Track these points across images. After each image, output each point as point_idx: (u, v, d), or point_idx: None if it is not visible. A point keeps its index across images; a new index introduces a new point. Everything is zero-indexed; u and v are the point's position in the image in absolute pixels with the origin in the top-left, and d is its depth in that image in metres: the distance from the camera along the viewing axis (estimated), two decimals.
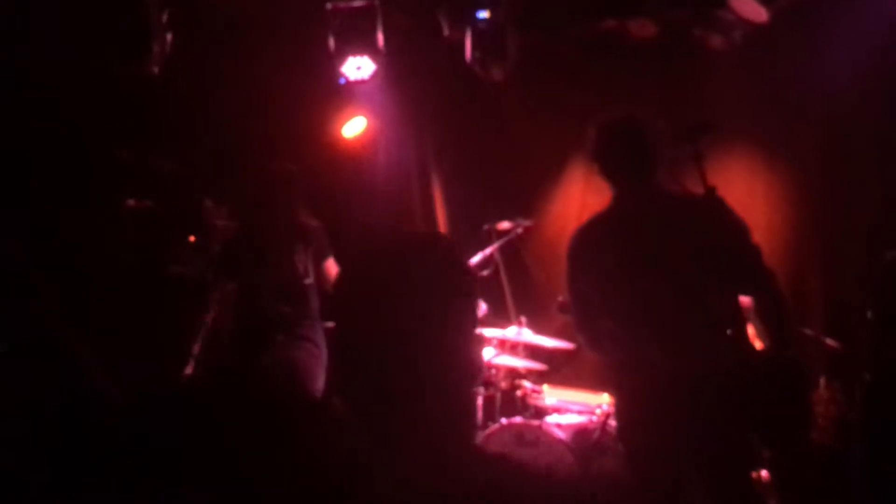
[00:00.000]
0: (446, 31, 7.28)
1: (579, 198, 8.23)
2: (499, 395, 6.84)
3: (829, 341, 6.66)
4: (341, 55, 7.36)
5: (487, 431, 6.38)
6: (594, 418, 6.45)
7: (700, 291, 4.33)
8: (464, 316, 1.90)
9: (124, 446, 1.35)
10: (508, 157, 8.56)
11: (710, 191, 4.34)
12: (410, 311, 1.84)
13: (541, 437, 6.25)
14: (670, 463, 4.34)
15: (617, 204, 4.56)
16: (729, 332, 4.35)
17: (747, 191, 7.51)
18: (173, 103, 7.79)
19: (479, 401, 6.64)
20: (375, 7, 7.23)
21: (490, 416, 6.70)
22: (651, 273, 4.35)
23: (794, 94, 7.45)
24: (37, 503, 1.88)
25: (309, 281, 6.24)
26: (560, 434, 6.25)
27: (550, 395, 6.89)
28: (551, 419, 6.55)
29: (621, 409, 4.67)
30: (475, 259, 7.12)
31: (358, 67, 7.39)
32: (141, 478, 1.32)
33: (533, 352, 7.09)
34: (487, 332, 6.73)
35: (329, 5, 7.20)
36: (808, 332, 6.66)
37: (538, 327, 7.11)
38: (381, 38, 7.31)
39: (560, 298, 5.47)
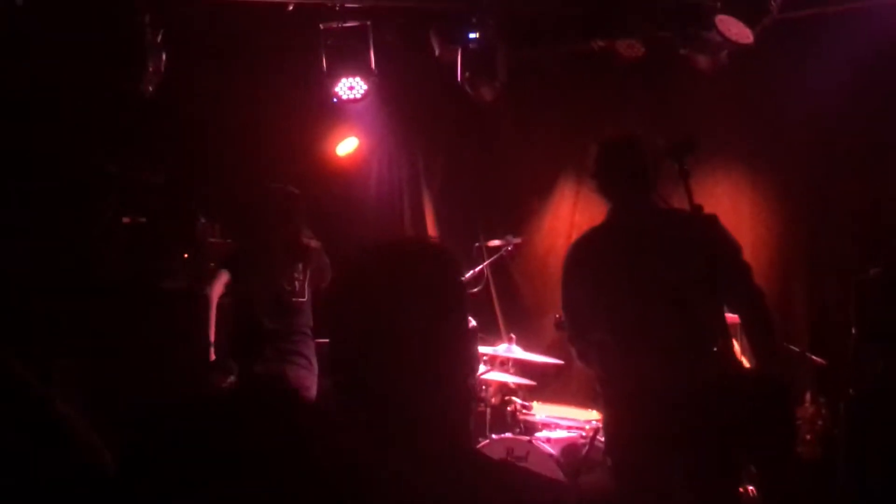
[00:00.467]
0: (437, 52, 7.35)
1: (569, 216, 8.29)
2: (489, 411, 6.87)
3: (815, 357, 6.71)
4: (334, 75, 7.42)
5: (477, 447, 6.42)
6: (583, 434, 6.50)
7: (690, 307, 4.38)
8: (457, 314, 1.91)
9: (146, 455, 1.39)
10: (498, 175, 8.62)
11: (698, 208, 4.39)
12: (404, 313, 1.85)
13: (530, 453, 6.29)
14: (657, 476, 4.38)
15: (613, 219, 4.62)
16: (715, 348, 4.41)
17: (733, 208, 7.57)
18: (167, 121, 7.84)
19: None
20: (367, 28, 7.30)
21: (480, 431, 6.73)
22: (643, 287, 4.41)
23: (779, 113, 7.53)
24: None
25: (303, 299, 6.32)
26: (549, 449, 6.28)
27: (540, 411, 6.92)
28: (541, 435, 6.58)
29: (609, 423, 4.72)
30: (466, 276, 7.16)
31: (350, 87, 7.45)
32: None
33: (523, 368, 7.12)
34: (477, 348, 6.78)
35: (322, 26, 7.26)
36: (794, 348, 6.71)
37: (528, 344, 7.17)
38: (373, 58, 7.37)
39: (557, 316, 5.52)
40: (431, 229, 8.85)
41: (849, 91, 7.18)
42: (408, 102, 8.72)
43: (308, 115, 8.25)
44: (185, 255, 7.31)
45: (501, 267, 8.12)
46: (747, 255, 4.61)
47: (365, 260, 1.95)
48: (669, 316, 4.37)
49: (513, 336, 7.01)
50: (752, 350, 4.65)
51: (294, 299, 6.29)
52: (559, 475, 6.08)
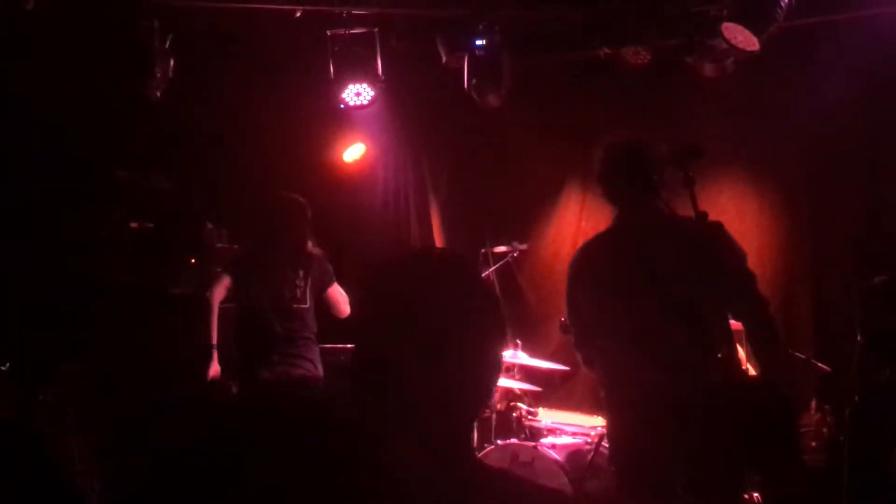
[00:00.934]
0: (444, 58, 7.36)
1: (575, 222, 8.31)
2: (494, 417, 6.89)
3: (820, 364, 6.72)
4: (341, 81, 7.43)
5: (482, 452, 6.42)
6: (589, 440, 6.51)
7: (694, 313, 4.38)
8: (486, 336, 1.90)
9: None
10: (505, 182, 8.64)
11: (703, 215, 4.40)
12: (426, 322, 1.84)
13: (536, 459, 6.30)
14: (660, 483, 4.39)
15: (619, 224, 4.62)
16: (720, 355, 4.41)
17: (738, 215, 7.58)
18: (175, 127, 7.87)
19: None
20: (374, 34, 7.31)
21: (485, 437, 6.75)
22: (648, 293, 4.41)
23: (784, 120, 7.54)
24: None
25: (305, 306, 6.34)
26: (555, 455, 6.29)
27: (545, 417, 6.93)
28: (546, 441, 6.59)
29: (613, 429, 4.73)
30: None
31: (357, 94, 7.46)
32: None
33: (528, 374, 7.14)
34: None
35: (329, 32, 7.28)
36: (800, 355, 6.72)
37: (534, 350, 7.18)
38: (380, 64, 7.39)
39: (563, 319, 5.53)
40: (438, 235, 8.87)
41: (854, 99, 7.20)
42: (414, 109, 8.75)
43: (315, 122, 8.27)
44: (193, 261, 7.34)
45: (507, 273, 8.14)
46: (752, 262, 4.61)
47: (391, 268, 1.95)
48: (674, 323, 4.38)
49: (518, 342, 7.02)
50: (756, 358, 4.66)
51: (295, 306, 6.32)
52: (564, 481, 6.09)
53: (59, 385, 6.98)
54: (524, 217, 8.54)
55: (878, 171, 7.34)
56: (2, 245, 6.80)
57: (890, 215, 7.26)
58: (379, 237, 8.78)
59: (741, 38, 6.40)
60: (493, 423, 6.87)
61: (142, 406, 7.00)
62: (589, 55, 7.48)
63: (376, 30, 7.31)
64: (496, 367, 1.91)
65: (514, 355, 6.89)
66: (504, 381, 6.86)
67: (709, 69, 6.88)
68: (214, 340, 6.47)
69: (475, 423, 1.92)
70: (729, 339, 4.50)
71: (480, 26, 7.14)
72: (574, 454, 6.44)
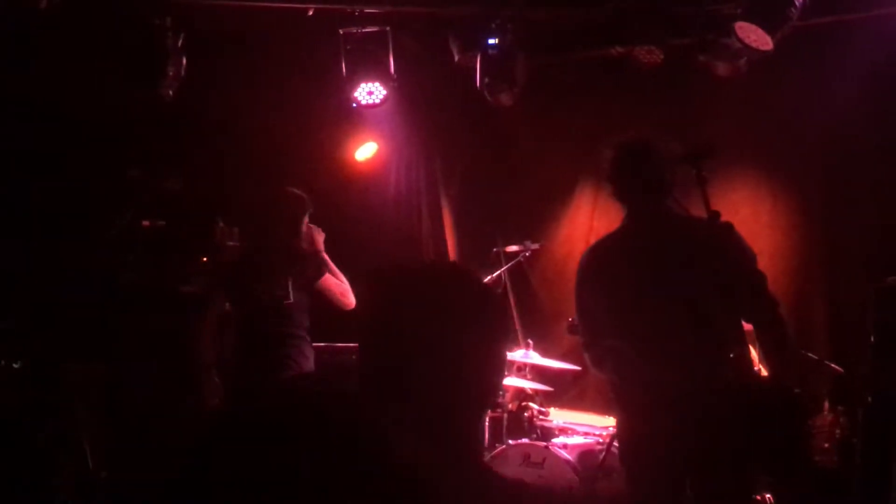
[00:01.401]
0: (456, 57, 7.35)
1: (587, 221, 8.29)
2: (506, 417, 6.89)
3: (833, 365, 6.70)
4: (353, 80, 7.43)
5: (494, 452, 6.42)
6: (600, 440, 6.50)
7: (705, 313, 4.38)
8: (482, 330, 1.93)
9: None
10: (517, 181, 8.63)
11: (715, 215, 4.39)
12: (435, 335, 1.87)
13: (547, 458, 6.30)
14: (670, 484, 4.38)
15: (628, 224, 4.62)
16: (732, 354, 4.40)
17: (752, 215, 7.56)
18: (187, 126, 7.88)
19: (486, 421, 6.68)
20: (387, 33, 7.31)
21: (497, 437, 6.74)
22: (658, 293, 4.41)
23: (799, 119, 7.51)
24: None
25: (288, 301, 6.29)
26: (566, 455, 6.29)
27: (557, 417, 6.93)
28: (558, 441, 6.59)
29: (623, 430, 4.72)
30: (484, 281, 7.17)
31: (370, 92, 7.45)
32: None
33: (540, 373, 7.13)
34: None
35: (341, 31, 7.28)
36: (812, 355, 6.70)
37: (545, 350, 7.17)
38: (392, 63, 7.38)
39: (571, 319, 5.52)
40: (449, 234, 8.87)
41: (868, 98, 7.17)
42: (427, 108, 8.74)
43: (327, 121, 8.27)
44: (204, 259, 7.34)
45: (519, 273, 8.12)
46: (765, 262, 4.61)
47: (397, 278, 1.97)
48: (684, 323, 4.37)
49: (530, 342, 7.01)
50: (766, 359, 4.66)
51: (286, 302, 6.28)
52: (576, 481, 6.08)
53: (71, 384, 7.00)
54: (536, 216, 8.52)
55: (892, 170, 7.30)
56: (13, 244, 6.82)
57: None
58: (391, 236, 8.77)
59: (755, 37, 6.38)
60: (505, 422, 6.87)
61: (152, 405, 7.01)
62: (602, 54, 7.46)
63: (388, 28, 7.30)
64: (496, 371, 1.92)
65: (525, 355, 6.88)
66: (516, 381, 6.86)
67: (722, 68, 6.86)
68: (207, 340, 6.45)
69: (483, 426, 1.91)
70: (741, 339, 4.49)
71: (493, 25, 7.13)
72: (585, 454, 6.44)
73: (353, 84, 7.44)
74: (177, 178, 7.76)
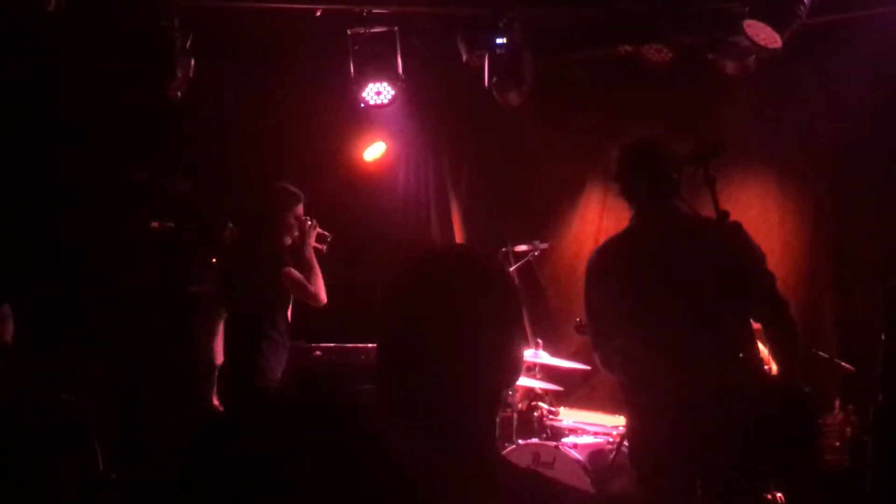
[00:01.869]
0: (465, 57, 7.35)
1: (596, 221, 8.28)
2: (515, 416, 6.88)
3: (844, 363, 6.68)
4: (361, 80, 7.43)
5: (504, 452, 6.42)
6: (610, 440, 6.49)
7: (714, 313, 4.37)
8: (503, 321, 1.91)
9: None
10: (525, 181, 8.63)
11: (724, 214, 4.38)
12: (447, 320, 1.85)
13: (557, 458, 6.29)
14: (680, 485, 4.37)
15: (636, 224, 4.61)
16: (741, 354, 4.39)
17: (760, 214, 7.55)
18: (195, 127, 7.90)
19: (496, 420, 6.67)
20: (395, 33, 7.31)
21: (507, 437, 6.74)
22: (667, 293, 4.40)
23: (808, 118, 7.49)
24: None
25: (265, 300, 6.27)
26: (576, 455, 6.28)
27: (567, 417, 6.93)
28: (567, 440, 6.58)
29: (633, 429, 4.71)
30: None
31: (378, 92, 7.45)
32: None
33: (549, 373, 7.13)
34: None
35: (349, 31, 7.28)
36: (823, 354, 6.68)
37: (555, 349, 7.16)
38: (400, 63, 7.38)
39: (579, 319, 5.51)
40: (458, 234, 8.87)
41: (877, 96, 7.13)
42: (435, 108, 8.75)
43: (335, 121, 8.28)
44: (214, 260, 7.36)
45: (528, 272, 8.11)
46: (775, 261, 4.60)
47: (411, 268, 1.96)
48: (693, 323, 4.36)
49: (539, 341, 7.01)
50: (776, 359, 4.64)
51: (260, 300, 6.25)
52: (586, 481, 6.07)
53: (81, 384, 7.01)
54: (545, 216, 8.52)
55: None
56: (24, 245, 6.84)
57: None
58: (399, 236, 8.78)
59: (763, 35, 6.36)
60: (515, 422, 6.86)
61: (161, 405, 7.03)
62: (610, 53, 7.44)
63: (396, 28, 7.30)
64: (516, 364, 1.91)
65: (535, 355, 6.88)
66: (525, 381, 6.86)
67: (731, 67, 6.84)
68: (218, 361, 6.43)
69: (497, 421, 1.92)
70: (750, 338, 4.48)
71: (501, 24, 7.13)
72: (596, 454, 6.43)
73: (362, 84, 7.44)
74: (185, 179, 7.78)
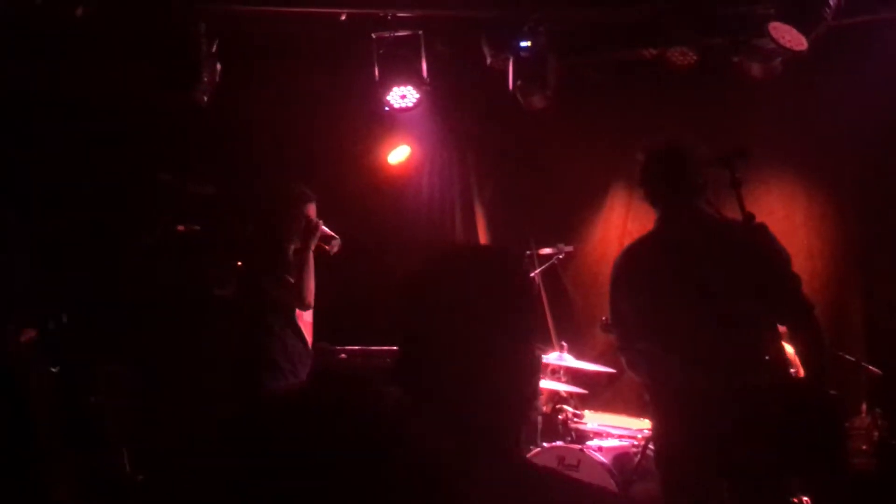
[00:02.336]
0: (489, 60, 7.35)
1: (620, 224, 8.27)
2: (540, 419, 6.87)
3: (870, 367, 6.65)
4: (386, 84, 7.43)
5: (528, 455, 6.41)
6: (635, 443, 6.48)
7: (740, 315, 4.36)
8: (521, 330, 1.92)
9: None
10: (550, 184, 8.62)
11: (749, 217, 4.37)
12: (466, 317, 1.87)
13: (582, 461, 6.28)
14: (705, 488, 4.36)
15: (661, 227, 4.61)
16: (767, 357, 4.38)
17: (787, 217, 7.52)
18: (221, 130, 7.93)
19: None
20: (419, 37, 7.31)
21: (531, 439, 6.73)
22: (692, 296, 4.39)
23: (833, 120, 7.45)
24: None
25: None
26: (601, 458, 6.27)
27: (592, 420, 6.92)
28: (592, 443, 6.57)
29: (658, 432, 4.70)
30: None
31: (402, 96, 7.46)
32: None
33: (574, 376, 7.12)
34: None
35: (374, 35, 7.29)
36: (849, 357, 6.65)
37: (579, 352, 7.16)
38: (424, 67, 7.39)
39: (605, 318, 5.50)
40: (483, 237, 8.87)
41: None
42: (459, 111, 8.75)
43: (360, 124, 8.29)
44: (238, 263, 7.39)
45: (553, 275, 8.12)
46: (800, 263, 4.58)
47: (430, 266, 1.97)
48: (719, 325, 4.35)
49: (564, 344, 7.01)
50: (802, 362, 4.63)
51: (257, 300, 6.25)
52: (611, 484, 6.06)
53: (107, 386, 7.05)
54: (570, 219, 8.51)
55: None
56: (50, 248, 6.88)
57: None
58: (423, 240, 8.78)
59: (789, 37, 6.33)
60: (539, 425, 6.86)
61: (188, 407, 7.06)
62: (635, 56, 7.44)
63: (421, 32, 7.30)
64: (533, 364, 1.92)
65: (560, 357, 6.87)
66: (550, 384, 6.85)
67: (756, 69, 6.82)
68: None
69: (522, 425, 1.91)
70: (776, 341, 4.47)
71: (525, 28, 7.12)
72: (621, 457, 6.42)
73: (386, 88, 7.44)
74: (211, 183, 7.81)
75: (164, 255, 7.59)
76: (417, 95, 7.46)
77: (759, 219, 4.41)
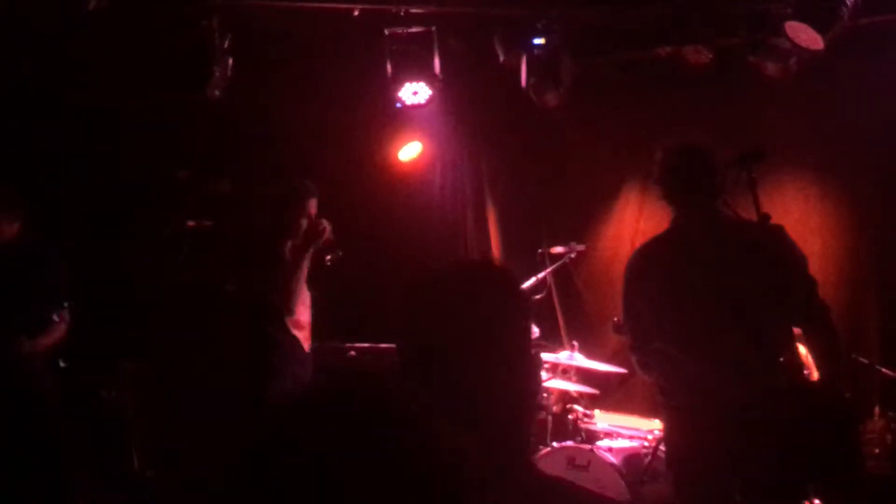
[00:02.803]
0: (502, 58, 7.33)
1: (633, 223, 8.23)
2: (550, 419, 6.86)
3: (885, 370, 6.61)
4: (398, 80, 7.42)
5: (538, 455, 6.39)
6: (646, 444, 6.45)
7: (754, 317, 4.34)
8: (520, 339, 1.94)
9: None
10: (562, 182, 8.59)
11: (765, 218, 4.35)
12: (468, 335, 1.89)
13: (592, 462, 6.26)
14: (717, 490, 4.34)
15: (677, 227, 4.58)
16: (781, 359, 4.36)
17: (802, 218, 7.47)
18: (233, 127, 7.92)
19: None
20: (432, 33, 7.29)
21: (541, 439, 6.71)
22: (706, 296, 4.37)
23: (850, 121, 7.40)
24: None
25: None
26: (611, 459, 6.25)
27: (602, 420, 6.89)
28: (602, 444, 6.55)
29: (671, 433, 4.68)
30: (528, 283, 7.16)
31: (414, 92, 7.44)
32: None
33: (585, 376, 7.09)
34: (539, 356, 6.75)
35: (386, 31, 7.27)
36: (864, 360, 6.61)
37: (590, 351, 7.13)
38: (437, 63, 7.37)
39: (616, 318, 5.49)
40: (494, 235, 8.84)
41: None
42: (472, 108, 8.73)
43: (372, 121, 8.28)
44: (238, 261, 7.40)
45: (564, 274, 8.09)
46: (816, 264, 4.56)
47: (431, 279, 2.01)
48: (733, 326, 4.33)
49: (575, 344, 6.98)
50: (816, 364, 4.60)
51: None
52: (621, 485, 6.04)
53: (120, 383, 7.06)
54: (582, 217, 8.47)
55: None
56: (63, 245, 6.87)
57: None
58: (435, 237, 8.77)
59: (805, 36, 6.30)
60: (550, 425, 6.84)
61: (200, 402, 7.05)
62: (649, 54, 7.40)
63: (434, 28, 7.29)
64: (535, 361, 1.96)
65: (570, 357, 6.85)
66: (560, 384, 6.84)
67: (772, 69, 6.78)
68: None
69: (530, 431, 1.94)
70: (790, 343, 4.44)
71: (539, 25, 7.09)
72: (631, 458, 6.39)
73: (398, 84, 7.43)
74: (223, 178, 7.80)
75: (176, 250, 7.59)
76: (430, 92, 7.45)
77: (774, 220, 4.39)
